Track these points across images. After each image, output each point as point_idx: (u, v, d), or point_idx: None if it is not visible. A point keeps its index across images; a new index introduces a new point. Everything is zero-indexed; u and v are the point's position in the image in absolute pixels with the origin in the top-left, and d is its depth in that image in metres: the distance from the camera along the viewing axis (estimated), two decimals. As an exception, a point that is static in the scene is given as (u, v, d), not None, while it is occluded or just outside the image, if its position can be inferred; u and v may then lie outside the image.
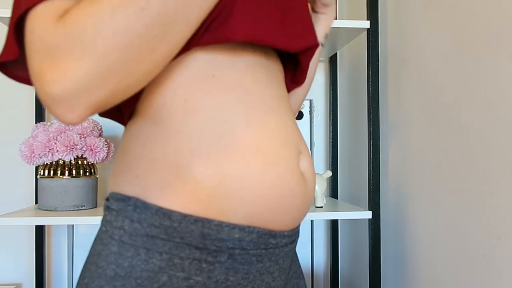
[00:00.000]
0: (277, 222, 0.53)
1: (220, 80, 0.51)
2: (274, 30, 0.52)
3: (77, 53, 0.39)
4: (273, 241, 0.53)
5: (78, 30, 0.39)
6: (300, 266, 0.65)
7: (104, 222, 0.52)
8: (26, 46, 0.42)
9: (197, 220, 0.49)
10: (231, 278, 0.50)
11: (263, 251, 0.53)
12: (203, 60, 0.50)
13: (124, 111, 0.55)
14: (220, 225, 0.49)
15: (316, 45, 0.59)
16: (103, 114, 0.59)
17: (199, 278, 0.48)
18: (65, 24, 0.39)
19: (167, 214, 0.49)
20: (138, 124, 0.52)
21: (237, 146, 0.50)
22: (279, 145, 0.53)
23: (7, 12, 1.08)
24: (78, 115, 0.41)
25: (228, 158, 0.49)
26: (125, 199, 0.51)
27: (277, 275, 0.55)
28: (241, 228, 0.50)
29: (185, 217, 0.48)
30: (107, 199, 0.54)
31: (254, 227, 0.51)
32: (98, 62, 0.39)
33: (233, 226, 0.50)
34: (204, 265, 0.49)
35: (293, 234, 0.57)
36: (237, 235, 0.50)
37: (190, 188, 0.49)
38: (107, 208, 0.53)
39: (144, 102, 0.52)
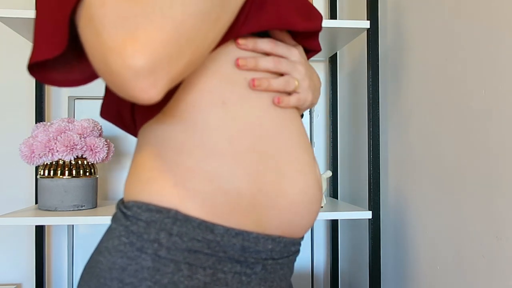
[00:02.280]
0: (302, 228, 0.54)
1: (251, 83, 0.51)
2: (299, 15, 0.53)
3: (157, 22, 0.37)
4: (293, 248, 0.55)
5: None
6: None
7: (124, 232, 0.48)
8: (89, 22, 0.38)
9: (238, 233, 0.48)
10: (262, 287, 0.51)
11: (286, 259, 0.54)
12: (234, 62, 0.50)
13: (143, 113, 0.50)
14: (257, 237, 0.49)
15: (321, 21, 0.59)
16: (105, 116, 0.57)
17: None
18: None
19: (209, 227, 0.47)
20: (169, 125, 0.49)
21: (272, 151, 0.50)
22: (304, 151, 0.54)
23: (7, 12, 1.08)
24: (160, 90, 0.39)
25: (266, 164, 0.49)
26: (161, 211, 0.47)
27: (288, 279, 0.57)
28: (273, 239, 0.51)
29: (227, 230, 0.48)
30: (127, 208, 0.49)
31: (283, 237, 0.52)
32: (177, 29, 0.38)
33: (267, 238, 0.50)
34: (243, 278, 0.49)
35: (302, 239, 0.59)
36: (270, 246, 0.51)
37: (231, 198, 0.48)
38: (127, 217, 0.48)
39: (176, 101, 0.49)
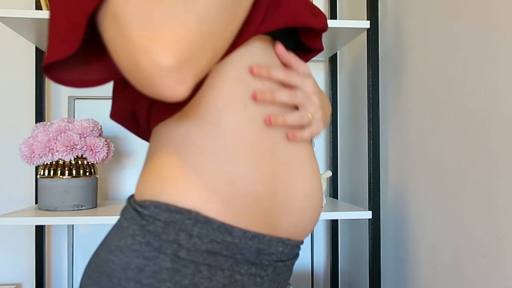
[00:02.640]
0: (306, 230, 0.56)
1: (268, 86, 0.52)
2: (310, 14, 0.55)
3: (181, 18, 0.37)
4: (297, 250, 0.56)
5: None
6: None
7: (139, 232, 0.47)
8: (113, 21, 0.38)
9: (254, 236, 0.49)
10: None
11: (291, 261, 0.55)
12: (253, 63, 0.51)
13: (159, 112, 0.50)
14: (271, 240, 0.50)
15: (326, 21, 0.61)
16: (114, 117, 0.56)
17: None
18: None
19: (228, 230, 0.47)
20: (187, 125, 0.49)
21: (286, 157, 0.51)
22: (312, 157, 0.56)
23: (8, 12, 1.08)
24: (188, 86, 0.39)
25: (281, 169, 0.51)
26: (182, 211, 0.46)
27: (288, 280, 0.59)
28: (283, 241, 0.52)
29: (245, 233, 0.48)
30: (144, 207, 0.48)
31: (291, 240, 0.53)
32: (200, 24, 0.38)
33: (278, 240, 0.51)
34: (258, 279, 0.50)
35: (303, 242, 0.60)
36: (280, 249, 0.52)
37: (247, 201, 0.49)
38: (143, 217, 0.47)
39: (197, 102, 0.48)
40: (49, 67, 0.45)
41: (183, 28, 0.37)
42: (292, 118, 0.53)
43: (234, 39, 0.47)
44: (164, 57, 0.37)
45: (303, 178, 0.53)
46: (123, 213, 0.51)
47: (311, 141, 0.56)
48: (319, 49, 0.62)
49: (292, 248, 0.54)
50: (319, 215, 0.57)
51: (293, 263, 0.58)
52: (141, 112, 0.53)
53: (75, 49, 0.42)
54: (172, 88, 0.38)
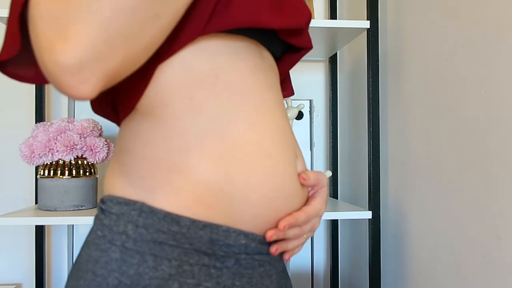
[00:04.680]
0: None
1: (223, 81, 0.50)
2: (274, 13, 0.51)
3: (84, 19, 0.38)
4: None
5: None
6: (285, 267, 0.66)
7: (99, 226, 0.50)
8: (30, 21, 0.40)
9: (205, 225, 0.48)
10: (237, 283, 0.50)
11: (265, 256, 0.53)
12: (206, 60, 0.50)
13: (120, 109, 0.53)
14: (228, 230, 0.49)
15: (310, 18, 0.59)
16: (97, 111, 0.57)
17: (209, 284, 0.48)
18: None
19: (175, 219, 0.47)
20: (138, 121, 0.51)
21: (242, 147, 0.50)
22: (280, 148, 0.53)
23: (8, 12, 1.08)
24: (92, 86, 0.39)
25: (234, 159, 0.49)
26: (128, 203, 0.48)
27: (274, 278, 0.56)
28: (246, 235, 0.50)
29: (193, 222, 0.48)
30: (103, 202, 0.51)
31: (257, 235, 0.52)
32: (106, 26, 0.38)
33: (239, 232, 0.50)
34: (212, 271, 0.49)
35: None
36: (243, 241, 0.50)
37: (198, 191, 0.48)
38: (103, 212, 0.50)
39: (145, 99, 0.50)
40: (5, 64, 0.49)
41: (87, 29, 0.38)
42: (293, 244, 0.55)
43: (175, 38, 0.47)
44: (64, 57, 0.38)
45: (266, 170, 0.50)
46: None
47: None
48: (307, 47, 0.61)
49: (262, 243, 0.52)
50: (296, 208, 0.54)
51: (275, 259, 0.55)
52: (108, 110, 0.56)
53: (16, 52, 0.44)
54: (75, 88, 0.39)
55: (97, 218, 0.51)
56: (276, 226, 0.53)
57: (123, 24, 0.39)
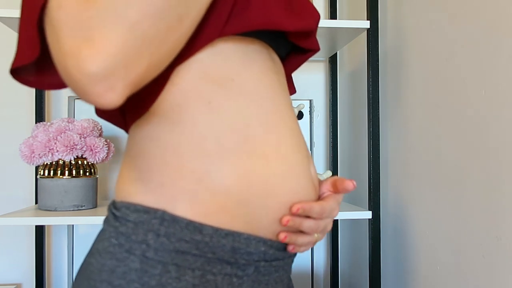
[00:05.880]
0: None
1: (239, 84, 0.50)
2: (288, 15, 0.51)
3: (111, 24, 0.36)
4: (288, 252, 0.54)
5: (109, 0, 0.37)
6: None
7: (113, 234, 0.47)
8: (50, 26, 0.38)
9: (227, 234, 0.47)
10: None
11: (281, 261, 0.53)
12: (222, 63, 0.49)
13: (132, 112, 0.51)
14: (249, 238, 0.49)
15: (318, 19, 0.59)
16: (102, 115, 0.56)
17: None
18: None
19: (198, 228, 0.46)
20: (155, 124, 0.49)
21: (260, 150, 0.49)
22: (295, 150, 0.53)
23: (8, 12, 1.08)
24: (119, 93, 0.38)
25: (254, 163, 0.48)
26: (148, 211, 0.47)
27: (285, 282, 0.57)
28: (265, 242, 0.50)
29: (216, 231, 0.47)
30: (116, 208, 0.49)
31: (275, 241, 0.51)
32: (132, 30, 0.37)
33: (259, 240, 0.49)
34: (234, 280, 0.48)
35: None
36: (262, 248, 0.50)
37: (219, 198, 0.47)
38: (116, 219, 0.48)
39: (162, 101, 0.48)
40: (18, 70, 0.47)
41: (113, 35, 0.36)
42: (302, 240, 0.54)
43: (193, 40, 0.46)
44: (91, 64, 0.36)
45: (283, 174, 0.50)
46: (106, 216, 0.52)
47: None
48: (314, 49, 0.61)
49: (279, 249, 0.52)
50: None
51: (288, 264, 0.55)
52: (115, 113, 0.54)
53: (35, 57, 0.43)
54: (102, 96, 0.38)
55: (109, 225, 0.49)
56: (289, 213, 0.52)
57: (149, 29, 0.38)
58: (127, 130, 0.56)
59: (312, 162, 0.57)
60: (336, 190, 0.57)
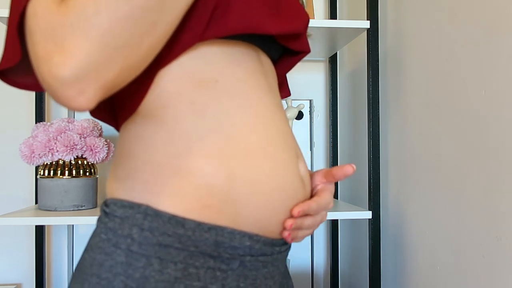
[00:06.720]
0: (282, 226, 0.53)
1: (223, 85, 0.51)
2: (272, 18, 0.52)
3: (82, 30, 0.38)
4: (276, 248, 0.54)
5: (80, 6, 0.38)
6: (287, 266, 0.66)
7: (103, 229, 0.49)
8: (27, 31, 0.40)
9: (210, 228, 0.48)
10: (242, 285, 0.51)
11: (269, 257, 0.54)
12: (205, 66, 0.50)
13: (120, 113, 0.53)
14: (233, 232, 0.49)
15: (308, 21, 0.59)
16: (95, 115, 0.57)
17: (214, 287, 0.48)
18: (67, 2, 0.39)
19: (180, 222, 0.47)
20: (139, 124, 0.51)
21: (244, 148, 0.50)
22: (282, 149, 0.53)
23: (8, 12, 1.08)
24: (89, 98, 0.40)
25: (237, 161, 0.49)
26: (133, 206, 0.48)
27: (277, 279, 0.56)
28: (251, 236, 0.51)
29: (199, 225, 0.48)
30: (106, 205, 0.51)
31: (261, 236, 0.52)
32: (103, 36, 0.38)
33: (243, 234, 0.50)
34: (218, 273, 0.49)
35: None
36: (247, 243, 0.50)
37: (202, 193, 0.48)
38: (106, 215, 0.50)
39: (146, 102, 0.50)
40: (5, 72, 0.49)
41: (83, 41, 0.38)
42: (303, 233, 0.56)
43: (174, 45, 0.47)
44: (61, 69, 0.38)
45: (269, 171, 0.51)
46: (100, 214, 0.54)
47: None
48: (305, 51, 0.61)
49: (265, 244, 0.52)
50: None
51: (278, 260, 0.56)
52: (105, 114, 0.56)
53: (19, 57, 0.44)
54: (73, 99, 0.40)
55: (100, 221, 0.51)
56: (290, 215, 0.53)
57: (120, 35, 0.39)
58: (119, 131, 0.57)
59: (302, 161, 0.58)
60: (329, 180, 0.59)
